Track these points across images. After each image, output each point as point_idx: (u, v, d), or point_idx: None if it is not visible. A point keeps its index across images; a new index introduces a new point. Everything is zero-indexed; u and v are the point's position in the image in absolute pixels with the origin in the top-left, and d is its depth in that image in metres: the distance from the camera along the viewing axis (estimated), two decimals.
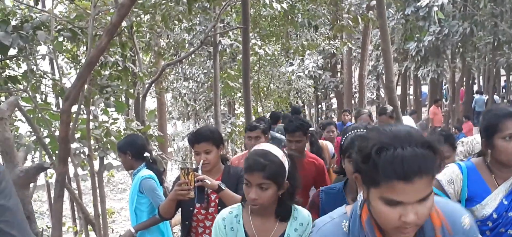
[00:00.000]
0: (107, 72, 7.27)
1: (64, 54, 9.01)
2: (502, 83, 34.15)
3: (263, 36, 15.00)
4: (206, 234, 3.68)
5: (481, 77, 33.48)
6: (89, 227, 8.13)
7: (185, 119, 19.21)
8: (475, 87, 32.19)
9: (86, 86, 6.74)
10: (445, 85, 26.26)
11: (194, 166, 3.68)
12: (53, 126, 7.10)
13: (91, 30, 5.81)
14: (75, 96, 4.67)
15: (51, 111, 7.24)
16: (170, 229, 5.06)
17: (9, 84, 6.44)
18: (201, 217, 3.67)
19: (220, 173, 3.70)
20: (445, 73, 20.17)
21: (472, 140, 11.56)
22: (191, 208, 3.65)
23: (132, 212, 4.66)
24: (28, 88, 6.59)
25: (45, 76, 7.36)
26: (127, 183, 18.58)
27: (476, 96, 24.62)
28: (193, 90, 16.58)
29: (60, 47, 6.68)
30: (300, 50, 17.46)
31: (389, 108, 7.77)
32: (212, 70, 11.37)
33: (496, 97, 26.01)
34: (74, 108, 6.20)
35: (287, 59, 18.53)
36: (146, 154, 4.73)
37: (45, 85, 7.82)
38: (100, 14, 7.04)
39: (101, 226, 7.99)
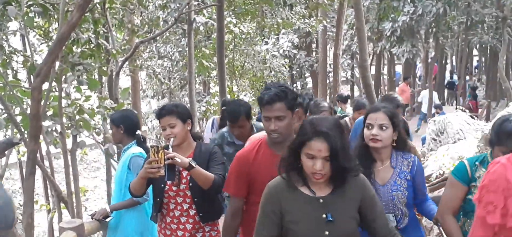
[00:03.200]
0: (79, 50, 7.17)
1: (36, 30, 8.87)
2: (475, 63, 34.62)
3: (238, 14, 14.95)
4: (178, 211, 3.70)
5: (454, 57, 33.93)
6: (62, 205, 8.08)
7: (160, 97, 19.12)
8: (448, 67, 32.60)
9: (57, 63, 6.66)
10: (419, 63, 26.54)
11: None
12: (24, 103, 7.00)
13: (62, 6, 5.72)
14: (46, 73, 4.62)
15: (22, 88, 7.15)
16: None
17: None
18: (172, 194, 3.68)
19: (191, 150, 3.71)
20: (419, 53, 20.35)
21: (444, 119, 11.62)
22: (162, 185, 3.66)
23: (119, 188, 4.55)
24: None
25: (15, 52, 7.24)
26: (101, 162, 18.44)
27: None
28: (167, 68, 16.49)
29: (31, 22, 6.56)
30: (275, 28, 17.43)
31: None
32: (187, 49, 11.30)
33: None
34: (46, 85, 6.12)
35: (262, 38, 18.50)
36: (138, 132, 4.67)
37: (16, 61, 7.70)
38: None
39: (74, 204, 7.95)
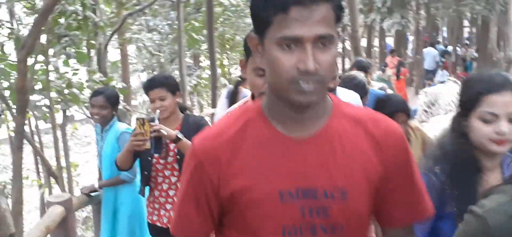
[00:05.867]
0: (65, 21, 7.07)
1: (22, 3, 8.75)
2: (466, 35, 34.61)
3: None
4: (166, 184, 3.67)
5: (445, 29, 33.90)
6: (52, 180, 8.05)
7: (150, 71, 19.00)
8: (440, 39, 32.58)
9: (45, 36, 6.58)
10: (410, 36, 26.55)
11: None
12: (11, 76, 6.92)
13: None
14: (31, 45, 4.55)
15: (9, 61, 7.06)
16: None
17: None
18: (160, 167, 3.65)
19: (178, 123, 3.66)
20: (409, 25, 20.30)
21: (435, 90, 11.66)
22: (150, 158, 3.62)
23: (109, 167, 4.39)
24: None
25: (0, 25, 7.15)
26: (92, 136, 18.36)
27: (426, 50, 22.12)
28: (157, 42, 16.34)
29: None
30: None
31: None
32: (176, 22, 11.20)
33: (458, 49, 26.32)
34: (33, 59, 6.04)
35: None
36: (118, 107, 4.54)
37: (2, 34, 7.58)
38: None
39: (66, 179, 7.93)
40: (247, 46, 1.94)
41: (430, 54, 20.52)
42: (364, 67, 5.86)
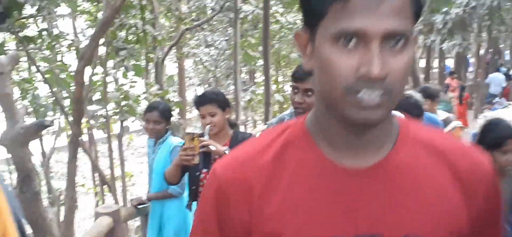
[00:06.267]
0: (124, 34, 7.24)
1: (85, 16, 9.03)
2: None
3: (285, 3, 14.85)
4: None
5: (508, 52, 32.86)
6: (106, 188, 8.22)
7: (206, 85, 19.22)
8: (502, 62, 31.57)
9: (104, 48, 6.76)
10: (470, 58, 25.84)
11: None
12: (71, 87, 7.14)
13: None
14: (89, 57, 4.66)
15: (70, 72, 7.28)
16: None
17: (25, 43, 6.44)
18: None
19: (228, 139, 3.63)
20: (470, 47, 19.76)
21: (495, 115, 11.29)
22: (198, 173, 3.62)
23: (158, 180, 4.42)
24: (43, 48, 6.60)
25: (61, 36, 7.38)
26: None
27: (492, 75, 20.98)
28: (214, 57, 16.55)
29: (74, 6, 6.65)
30: None
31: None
32: (233, 38, 11.31)
33: None
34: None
35: None
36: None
37: (62, 45, 7.84)
38: None
39: (120, 188, 8.09)
40: None
41: (496, 79, 19.96)
42: (431, 95, 5.44)
